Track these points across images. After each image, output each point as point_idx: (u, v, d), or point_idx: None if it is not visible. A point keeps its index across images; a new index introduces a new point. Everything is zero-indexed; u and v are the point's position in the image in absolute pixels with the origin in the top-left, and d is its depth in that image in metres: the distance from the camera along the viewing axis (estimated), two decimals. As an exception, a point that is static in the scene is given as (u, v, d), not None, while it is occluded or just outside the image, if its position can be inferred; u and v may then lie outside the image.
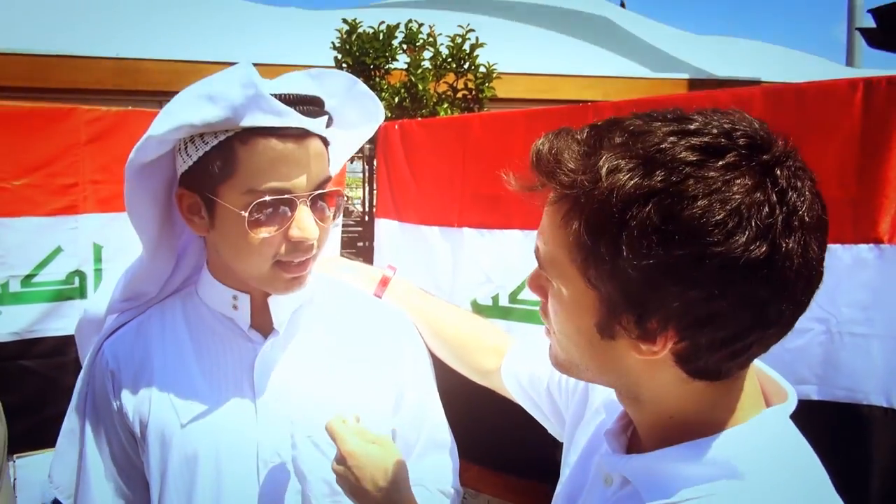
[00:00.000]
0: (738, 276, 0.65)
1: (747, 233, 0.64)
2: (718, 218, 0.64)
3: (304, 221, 1.05)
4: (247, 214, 1.04)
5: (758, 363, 0.82)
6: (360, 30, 4.29)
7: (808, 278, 0.68)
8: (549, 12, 7.90)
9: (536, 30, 7.24)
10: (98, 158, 2.20)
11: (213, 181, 1.07)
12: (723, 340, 0.69)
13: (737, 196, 0.64)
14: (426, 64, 4.21)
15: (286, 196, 1.04)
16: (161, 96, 5.13)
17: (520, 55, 5.80)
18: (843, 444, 1.45)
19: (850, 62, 11.93)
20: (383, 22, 4.25)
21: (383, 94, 4.16)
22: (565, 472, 1.01)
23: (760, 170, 0.66)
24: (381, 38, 4.18)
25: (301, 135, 1.04)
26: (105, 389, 1.21)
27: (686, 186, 0.65)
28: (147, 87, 4.94)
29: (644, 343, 0.70)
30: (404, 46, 4.31)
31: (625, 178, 0.66)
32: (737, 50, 8.61)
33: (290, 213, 1.05)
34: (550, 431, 1.19)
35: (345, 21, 4.33)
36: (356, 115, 1.22)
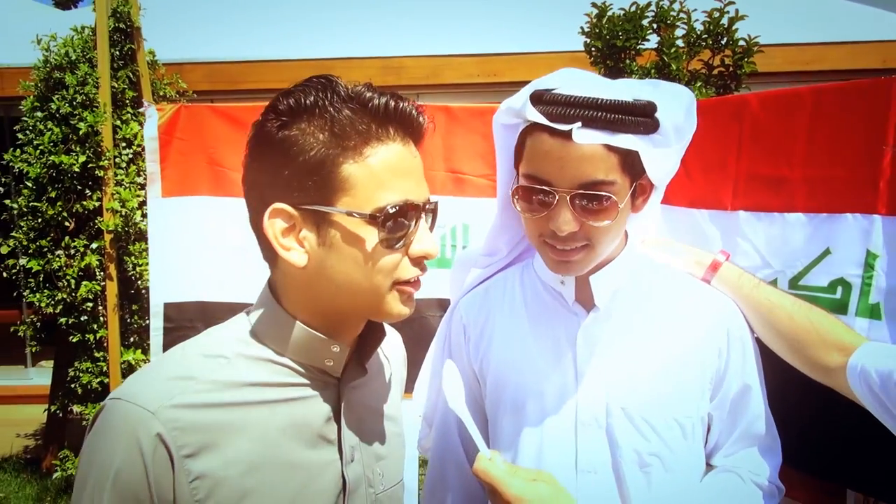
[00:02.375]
0: None
1: None
2: None
3: (557, 215, 1.15)
4: (510, 192, 1.21)
5: None
6: (609, 12, 4.28)
7: None
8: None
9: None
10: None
11: (518, 160, 1.24)
12: None
13: None
14: (679, 42, 4.09)
15: (543, 188, 1.15)
16: (420, 89, 5.58)
17: (778, 24, 5.36)
18: None
19: None
20: (634, 3, 4.20)
21: (633, 76, 4.12)
22: None
23: None
24: (632, 19, 4.14)
25: (568, 135, 1.11)
26: (459, 337, 1.46)
27: None
28: (409, 81, 5.41)
29: None
30: (654, 26, 4.22)
31: None
32: None
33: (551, 204, 1.15)
34: None
35: (594, 5, 4.35)
36: (674, 130, 1.23)
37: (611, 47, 4.19)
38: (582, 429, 1.27)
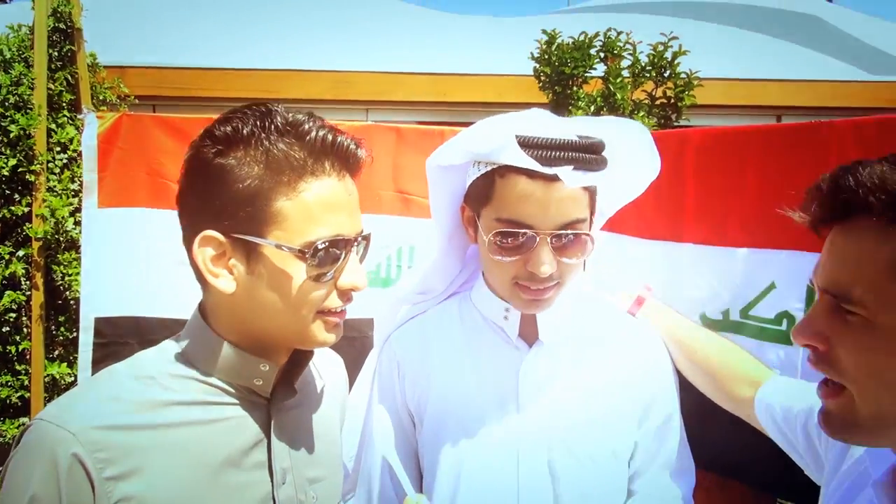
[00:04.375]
0: None
1: None
2: None
3: (540, 257, 1.14)
4: (488, 239, 1.17)
5: None
6: (559, 40, 4.36)
7: None
8: (751, 12, 7.46)
9: (737, 31, 6.87)
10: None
11: (479, 203, 1.22)
12: None
13: None
14: (624, 73, 4.20)
15: (525, 231, 1.14)
16: (368, 105, 5.56)
17: (718, 59, 5.58)
18: None
19: None
20: (583, 32, 4.30)
21: (580, 103, 4.21)
22: None
23: None
24: (581, 48, 4.23)
25: (549, 178, 1.12)
26: (391, 373, 1.40)
27: None
28: (358, 97, 5.38)
29: None
30: (602, 55, 4.33)
31: None
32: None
33: (530, 246, 1.15)
34: (806, 472, 1.17)
35: (544, 32, 4.43)
36: (634, 165, 1.28)
37: (559, 74, 4.27)
38: (524, 464, 1.27)
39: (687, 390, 1.44)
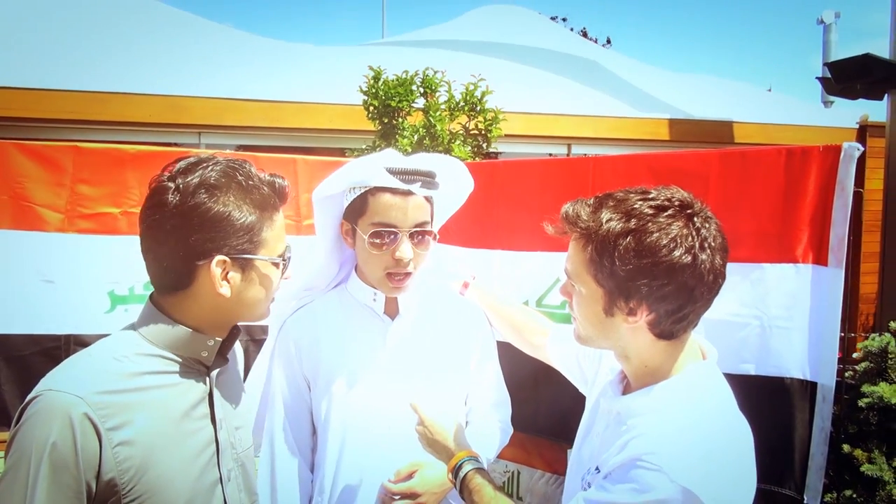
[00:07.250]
0: (677, 273, 1.17)
1: (680, 250, 1.17)
2: (664, 242, 1.16)
3: (403, 247, 1.66)
4: (367, 239, 1.65)
5: (697, 336, 1.36)
6: (384, 76, 4.90)
7: (715, 276, 1.22)
8: (544, 55, 8.55)
9: (534, 70, 7.85)
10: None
11: (356, 216, 1.70)
12: (673, 311, 1.21)
13: (674, 231, 1.18)
14: (442, 107, 4.82)
15: (392, 229, 1.64)
16: (201, 129, 5.71)
17: (520, 94, 6.43)
18: (773, 405, 2.03)
19: (825, 97, 12.32)
20: (405, 70, 4.86)
21: (405, 132, 4.76)
22: (585, 413, 1.55)
23: (687, 218, 1.20)
24: (404, 84, 4.78)
25: (405, 193, 1.65)
26: (289, 351, 1.82)
27: (647, 226, 1.17)
28: (190, 121, 5.51)
29: (630, 316, 1.23)
30: (422, 90, 4.92)
31: (615, 224, 1.20)
32: (712, 90, 9.29)
33: (395, 241, 1.65)
34: (580, 389, 1.73)
35: (371, 68, 4.94)
36: (454, 187, 1.83)
37: (386, 106, 4.80)
38: (393, 401, 1.75)
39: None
